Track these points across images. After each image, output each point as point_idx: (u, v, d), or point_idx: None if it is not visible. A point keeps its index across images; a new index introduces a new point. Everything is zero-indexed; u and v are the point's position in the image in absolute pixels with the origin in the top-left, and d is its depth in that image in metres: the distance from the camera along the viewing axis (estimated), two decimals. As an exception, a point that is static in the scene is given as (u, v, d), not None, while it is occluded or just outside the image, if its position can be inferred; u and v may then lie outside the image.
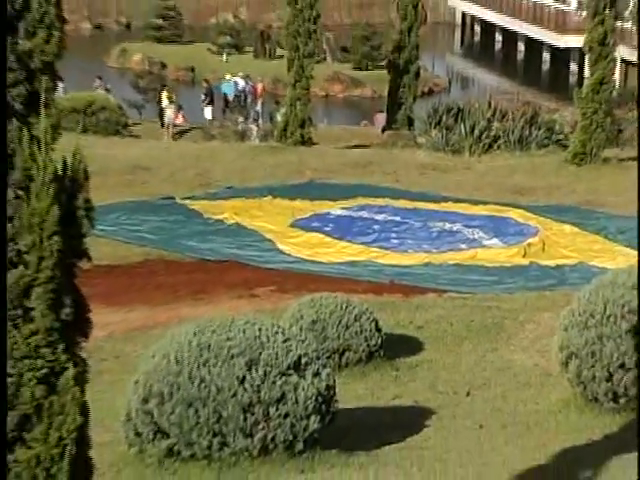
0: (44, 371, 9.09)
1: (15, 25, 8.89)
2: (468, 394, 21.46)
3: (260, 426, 17.61)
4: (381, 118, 59.93)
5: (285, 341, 18.23)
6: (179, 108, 65.12)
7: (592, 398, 18.90)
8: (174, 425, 17.67)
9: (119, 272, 23.84)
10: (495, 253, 34.91)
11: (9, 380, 9.11)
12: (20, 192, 8.92)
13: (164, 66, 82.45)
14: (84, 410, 9.29)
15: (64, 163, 9.01)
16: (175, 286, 29.57)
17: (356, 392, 20.01)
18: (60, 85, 9.83)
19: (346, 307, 23.52)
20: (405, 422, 19.75)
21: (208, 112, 66.81)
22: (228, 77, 75.52)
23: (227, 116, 66.78)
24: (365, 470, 17.25)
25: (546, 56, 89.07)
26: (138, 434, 17.82)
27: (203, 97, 67.60)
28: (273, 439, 17.63)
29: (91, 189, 9.19)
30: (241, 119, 63.28)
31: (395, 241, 36.12)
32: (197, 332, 18.25)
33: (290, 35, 55.07)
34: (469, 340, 24.59)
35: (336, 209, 39.66)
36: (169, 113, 63.85)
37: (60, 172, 9.04)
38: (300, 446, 17.66)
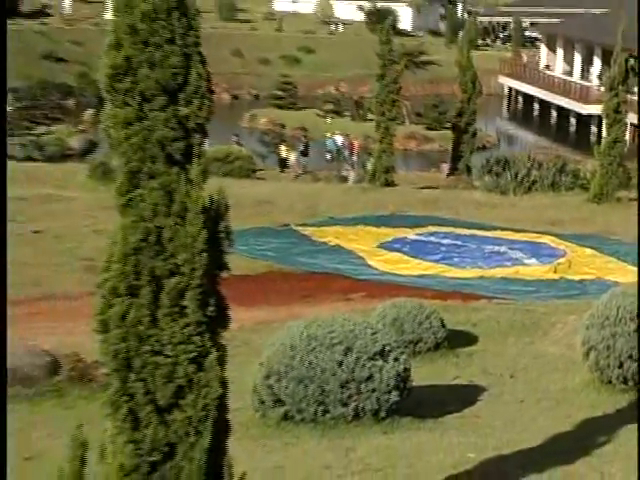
0: (194, 354, 9.22)
1: (177, 96, 9.02)
2: (511, 376, 21.52)
3: (353, 398, 17.76)
4: (445, 167, 59.99)
5: (373, 334, 18.35)
6: (296, 157, 65.42)
7: (607, 381, 18.94)
8: (288, 396, 17.86)
9: (249, 280, 23.85)
10: (533, 270, 34.94)
11: (168, 360, 9.26)
12: (178, 220, 9.05)
13: (283, 126, 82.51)
14: (223, 384, 9.41)
15: (210, 198, 9.14)
16: (290, 291, 29.78)
17: (426, 374, 20.06)
18: (207, 140, 9.88)
19: (419, 309, 23.64)
20: (463, 397, 19.83)
21: (304, 161, 66.67)
22: (330, 135, 75.87)
23: (330, 164, 66.94)
24: (433, 432, 17.35)
25: (573, 120, 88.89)
26: (262, 402, 18.02)
27: (302, 149, 67.59)
28: (363, 408, 17.77)
29: (229, 218, 9.36)
30: (347, 167, 63.34)
31: (456, 259, 36.21)
32: (306, 326, 18.42)
33: (378, 103, 55.53)
34: (512, 335, 24.64)
35: (412, 235, 39.79)
36: (288, 161, 64.29)
37: (207, 205, 9.18)
38: (383, 414, 17.80)
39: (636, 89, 68.45)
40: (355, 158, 68.31)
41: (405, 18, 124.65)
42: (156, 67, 8.99)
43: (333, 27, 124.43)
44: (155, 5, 8.91)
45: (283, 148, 67.14)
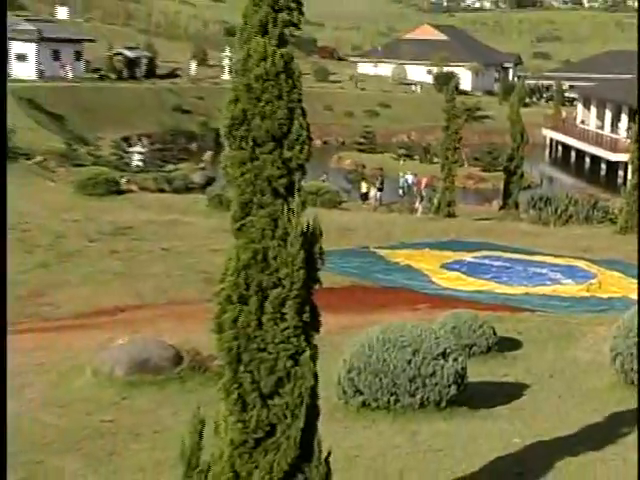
0: (292, 352, 9.25)
1: (282, 141, 9.07)
2: (550, 376, 21.37)
3: (419, 390, 17.71)
4: (497, 202, 59.82)
5: (436, 338, 18.29)
6: (375, 192, 65.55)
7: (630, 382, 18.71)
8: (366, 387, 17.83)
9: (335, 292, 23.81)
10: (569, 288, 34.70)
11: (270, 356, 9.31)
12: (281, 242, 9.09)
13: (364, 167, 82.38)
14: (315, 376, 9.44)
15: (307, 225, 9.19)
16: (368, 302, 29.75)
17: (479, 372, 19.97)
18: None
19: (474, 318, 23.53)
20: (509, 392, 19.72)
21: (381, 195, 66.52)
22: (403, 174, 75.96)
23: (402, 198, 67.01)
24: (484, 421, 17.29)
25: (603, 166, 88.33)
26: (344, 392, 17.99)
27: (379, 185, 67.51)
28: (427, 399, 17.70)
29: (322, 241, 9.43)
30: (416, 201, 63.29)
31: (505, 278, 36.05)
32: (382, 331, 18.39)
33: (443, 149, 55.61)
34: (551, 342, 24.49)
35: (468, 257, 39.63)
36: (367, 195, 64.46)
37: (305, 230, 9.22)
38: (444, 404, 17.72)
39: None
40: (423, 194, 68.13)
41: (465, 80, 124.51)
42: (266, 118, 9.07)
43: (413, 87, 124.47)
44: (267, 69, 9.00)
45: (364, 184, 67.18)
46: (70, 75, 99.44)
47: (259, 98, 9.09)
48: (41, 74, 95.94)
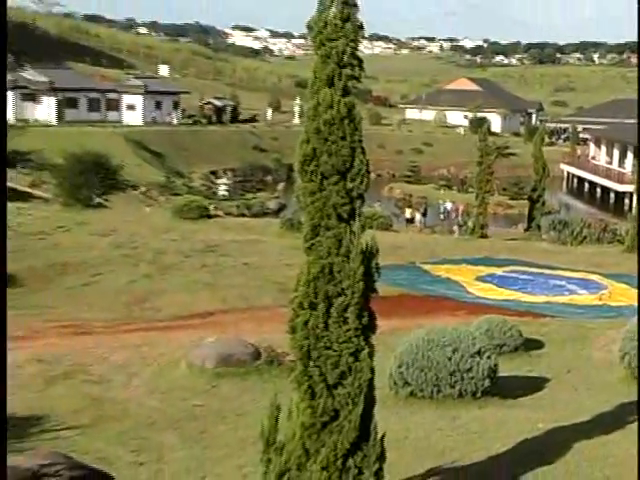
0: (353, 349, 9.21)
1: (345, 175, 9.04)
2: (568, 371, 21.22)
3: (458, 383, 17.63)
4: (522, 225, 59.59)
5: (472, 339, 18.18)
6: (419, 216, 65.52)
7: (635, 377, 18.58)
8: (413, 380, 17.75)
9: (388, 300, 23.70)
10: (584, 298, 34.43)
11: (335, 353, 9.28)
12: (344, 258, 9.06)
13: (410, 195, 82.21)
14: (372, 370, 9.40)
15: (366, 244, 9.16)
16: (415, 308, 29.67)
17: (508, 368, 19.85)
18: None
19: (504, 322, 23.39)
20: (533, 385, 19.59)
21: (424, 219, 66.32)
22: (443, 202, 75.94)
23: (442, 222, 66.92)
24: (513, 409, 17.17)
25: (612, 195, 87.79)
26: (395, 384, 17.92)
27: (423, 211, 67.38)
28: (465, 390, 17.60)
29: (377, 257, 9.44)
30: (454, 224, 63.09)
31: (530, 289, 35.81)
32: (427, 332, 18.31)
33: (477, 181, 55.51)
34: (569, 343, 24.32)
35: (499, 272, 39.42)
36: (413, 219, 64.40)
37: (364, 249, 9.19)
38: (479, 394, 17.60)
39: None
40: (459, 218, 68.01)
41: (496, 124, 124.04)
42: (332, 156, 9.05)
43: (458, 130, 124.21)
44: (333, 115, 8.98)
45: (408, 211, 67.14)
46: (174, 121, 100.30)
47: (326, 139, 9.09)
48: (146, 120, 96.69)
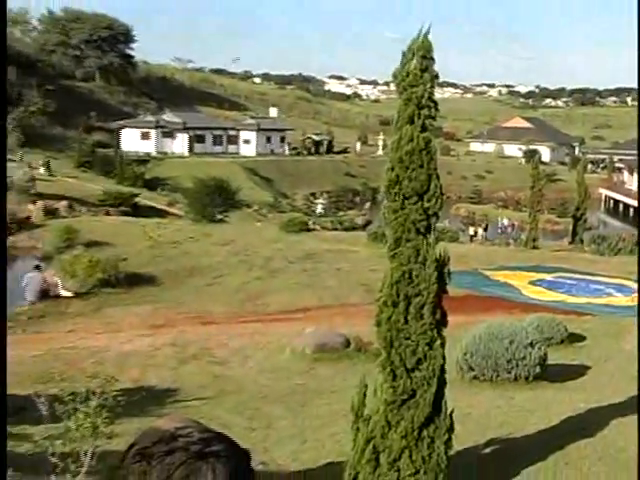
0: (428, 340, 9.13)
1: (423, 196, 8.99)
2: (606, 361, 20.83)
3: (514, 369, 17.40)
4: (567, 239, 58.77)
5: (526, 333, 17.94)
6: (481, 231, 65.09)
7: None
8: (476, 366, 17.57)
9: (455, 300, 23.54)
10: (619, 300, 33.70)
11: (413, 343, 9.21)
12: (421, 265, 8.99)
13: (474, 214, 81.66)
14: (443, 357, 9.32)
15: (439, 253, 9.10)
16: (477, 306, 29.31)
17: (555, 357, 19.54)
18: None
19: (552, 319, 23.09)
20: (577, 371, 19.27)
21: (485, 234, 65.70)
22: (500, 219, 75.35)
23: (500, 236, 66.25)
24: (559, 391, 16.90)
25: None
26: (461, 369, 17.74)
27: (484, 227, 66.78)
28: (519, 375, 17.36)
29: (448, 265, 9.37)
30: (510, 238, 62.52)
31: (574, 292, 35.21)
32: (487, 326, 18.11)
33: (530, 202, 55.26)
34: (605, 337, 23.85)
35: (548, 277, 38.84)
36: (476, 233, 63.81)
37: (437, 257, 9.12)
38: (531, 379, 17.35)
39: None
40: (514, 232, 67.35)
41: (545, 155, 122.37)
42: (412, 181, 9.00)
43: (521, 161, 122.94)
44: (413, 147, 8.96)
45: (471, 229, 66.40)
46: (285, 151, 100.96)
47: (407, 167, 9.05)
48: (259, 152, 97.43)
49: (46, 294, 30.81)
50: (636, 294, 33.47)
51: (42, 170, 62.00)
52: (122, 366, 19.65)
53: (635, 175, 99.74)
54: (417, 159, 9.10)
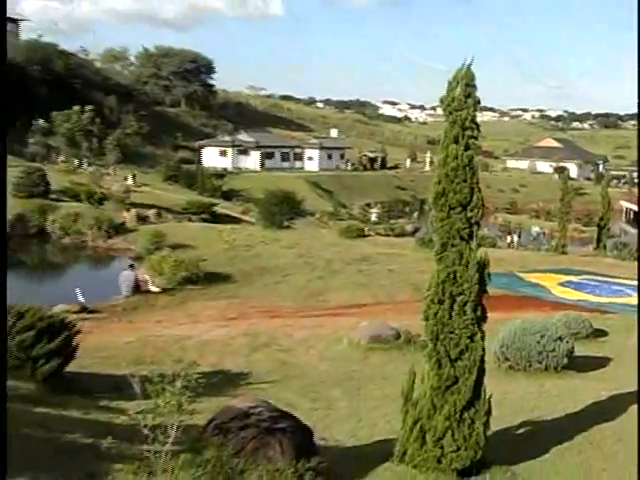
0: (469, 334, 9.05)
1: (466, 207, 8.92)
2: (626, 354, 20.42)
3: (544, 360, 17.16)
4: (591, 246, 57.86)
5: (555, 328, 17.70)
6: (516, 238, 64.35)
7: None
8: (511, 357, 17.37)
9: (493, 298, 23.48)
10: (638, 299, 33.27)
11: (456, 336, 9.12)
12: (464, 267, 8.94)
13: (509, 222, 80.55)
14: (482, 349, 9.24)
15: (480, 257, 9.01)
16: (512, 304, 28.81)
17: (581, 349, 19.21)
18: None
19: (578, 316, 22.76)
20: (600, 363, 18.93)
21: (519, 240, 64.81)
22: (533, 227, 74.48)
23: (532, 242, 65.41)
24: (584, 380, 16.63)
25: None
26: (498, 359, 17.53)
27: (517, 234, 66.07)
28: (549, 365, 17.14)
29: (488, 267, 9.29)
30: (541, 243, 61.73)
31: (598, 292, 34.54)
32: (522, 322, 17.91)
33: (560, 212, 54.70)
34: (626, 332, 23.19)
35: (575, 279, 38.18)
36: (512, 240, 63.07)
37: (478, 260, 9.04)
38: (559, 369, 17.11)
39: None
40: (545, 239, 66.46)
41: (573, 171, 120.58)
42: (457, 193, 8.96)
43: (555, 176, 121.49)
44: (458, 164, 8.92)
45: (508, 237, 65.44)
46: (349, 167, 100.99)
47: (453, 181, 9.00)
48: (321, 167, 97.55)
49: (138, 289, 31.19)
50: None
51: (130, 181, 62.70)
52: (202, 352, 19.80)
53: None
54: (461, 174, 9.04)
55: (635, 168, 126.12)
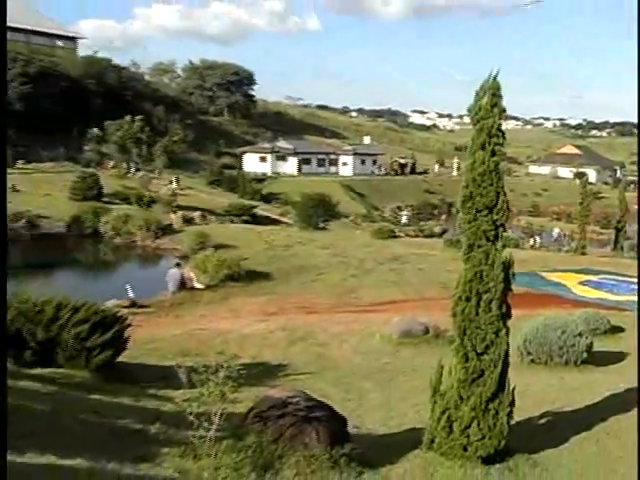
0: (495, 329, 9.00)
1: (492, 209, 8.85)
2: (643, 347, 20.27)
3: (565, 354, 16.97)
4: (609, 247, 57.17)
5: (575, 324, 17.54)
6: (538, 239, 63.71)
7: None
8: (534, 351, 17.24)
9: (516, 296, 23.22)
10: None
11: (482, 332, 9.05)
12: (490, 267, 8.88)
13: (532, 224, 79.97)
14: (507, 344, 9.17)
15: (505, 257, 8.94)
16: (534, 302, 28.44)
17: (599, 345, 18.98)
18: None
19: (597, 313, 22.54)
20: (617, 357, 18.67)
21: (541, 241, 64.08)
22: (555, 229, 73.63)
23: (553, 243, 64.77)
24: (603, 373, 16.45)
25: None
26: (521, 353, 17.39)
27: (538, 235, 65.51)
28: (569, 359, 16.98)
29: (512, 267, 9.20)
30: (562, 244, 61.13)
31: (616, 291, 34.11)
32: (544, 319, 17.77)
33: (580, 215, 54.30)
34: (644, 328, 23.11)
35: (594, 278, 37.69)
36: (535, 242, 62.42)
37: (503, 260, 8.98)
38: (579, 363, 16.96)
39: None
40: (566, 241, 65.76)
41: (592, 176, 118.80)
42: (483, 197, 8.89)
43: (576, 181, 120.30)
44: (484, 169, 8.87)
45: (531, 240, 64.78)
46: (382, 171, 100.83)
47: (479, 185, 8.94)
48: (355, 172, 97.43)
49: (184, 286, 31.36)
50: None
51: (174, 184, 63.04)
52: (242, 345, 19.86)
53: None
54: (488, 179, 8.97)
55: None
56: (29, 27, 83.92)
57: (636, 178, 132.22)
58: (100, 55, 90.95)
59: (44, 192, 51.20)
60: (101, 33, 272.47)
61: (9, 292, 13.57)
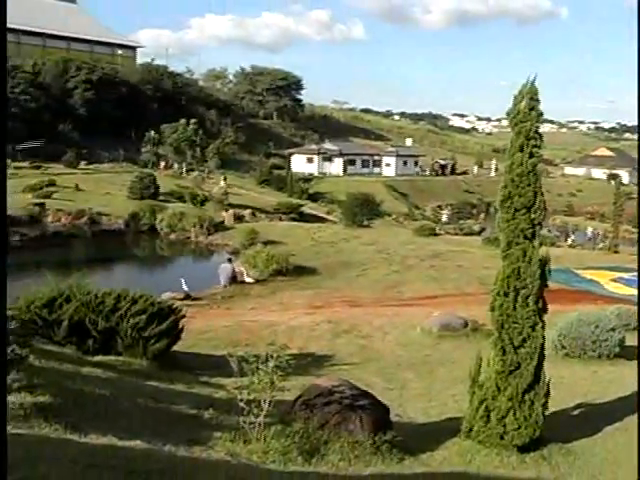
0: (531, 324, 8.93)
1: (530, 208, 8.77)
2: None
3: (598, 349, 16.72)
4: (630, 246, 56.33)
5: (608, 320, 17.26)
6: (573, 238, 62.76)
7: None
8: (568, 345, 16.99)
9: (552, 292, 22.92)
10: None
11: (518, 326, 8.95)
12: (528, 263, 8.80)
13: (566, 224, 78.77)
14: (543, 338, 9.07)
15: (541, 255, 8.86)
16: (569, 298, 28.01)
17: (631, 339, 18.58)
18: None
19: (629, 309, 22.09)
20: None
21: (574, 240, 63.06)
22: (589, 228, 72.44)
23: (587, 241, 63.75)
24: (634, 366, 15.94)
25: None
26: (555, 347, 17.12)
27: (575, 234, 64.52)
28: (602, 353, 16.75)
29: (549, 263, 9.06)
30: (595, 243, 60.16)
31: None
32: (578, 314, 17.50)
33: (612, 215, 53.38)
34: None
35: (626, 275, 36.88)
36: (572, 240, 61.49)
37: (540, 258, 8.90)
38: (612, 356, 16.68)
39: None
40: (599, 239, 64.69)
41: (625, 177, 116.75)
42: (521, 197, 8.82)
43: (611, 182, 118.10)
44: (523, 170, 8.79)
45: (569, 239, 63.76)
46: (419, 173, 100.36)
47: (518, 185, 8.87)
48: (397, 173, 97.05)
49: (235, 280, 31.60)
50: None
51: (222, 183, 63.37)
52: (290, 336, 19.93)
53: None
54: (525, 180, 8.89)
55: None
56: (92, 38, 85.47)
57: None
58: (157, 62, 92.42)
59: (104, 191, 52.02)
60: (158, 42, 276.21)
61: (72, 284, 13.86)
